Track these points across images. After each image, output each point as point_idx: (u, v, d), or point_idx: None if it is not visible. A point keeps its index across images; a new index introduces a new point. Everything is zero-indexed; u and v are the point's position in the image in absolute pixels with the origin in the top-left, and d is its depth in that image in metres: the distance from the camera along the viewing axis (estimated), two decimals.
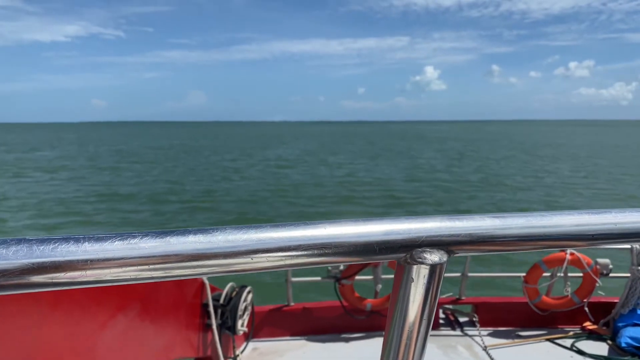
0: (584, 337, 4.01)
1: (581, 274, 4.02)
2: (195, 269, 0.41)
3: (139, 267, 0.39)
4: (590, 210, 0.52)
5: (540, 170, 26.79)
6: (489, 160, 34.14)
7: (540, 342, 3.98)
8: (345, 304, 3.98)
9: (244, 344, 3.82)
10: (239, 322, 3.36)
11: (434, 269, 0.47)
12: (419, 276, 0.47)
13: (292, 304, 4.08)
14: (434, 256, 0.47)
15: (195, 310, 3.15)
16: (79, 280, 0.38)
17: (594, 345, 3.89)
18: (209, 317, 3.20)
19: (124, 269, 0.39)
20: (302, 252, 0.44)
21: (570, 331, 4.13)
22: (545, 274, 4.08)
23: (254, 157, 37.06)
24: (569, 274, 4.05)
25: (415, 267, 0.47)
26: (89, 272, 0.38)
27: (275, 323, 4.03)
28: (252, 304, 3.63)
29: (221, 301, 3.31)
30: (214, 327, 3.18)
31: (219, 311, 3.29)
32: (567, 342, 3.92)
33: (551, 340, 3.98)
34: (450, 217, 0.49)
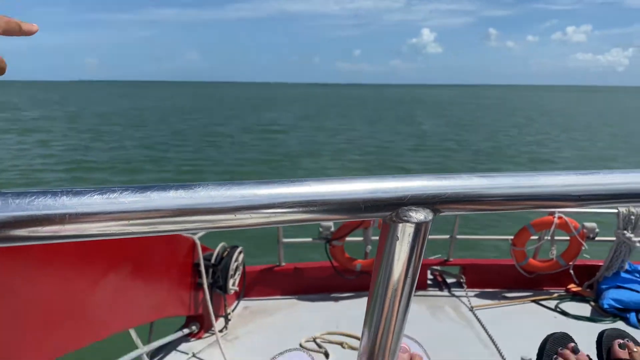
0: (568, 299, 4.11)
1: (568, 238, 4.09)
2: (177, 225, 0.40)
3: (119, 222, 0.38)
4: (579, 171, 0.52)
5: (554, 139, 24.82)
6: (497, 127, 31.95)
7: (526, 303, 4.08)
8: (335, 264, 4.03)
9: (235, 302, 3.88)
10: (230, 282, 3.41)
11: (419, 227, 0.47)
12: (404, 234, 0.47)
13: (283, 264, 4.13)
14: (419, 214, 0.46)
15: (186, 270, 3.19)
16: (58, 234, 0.37)
17: (577, 307, 4.00)
18: (200, 276, 3.24)
19: (103, 223, 0.38)
20: (287, 210, 0.43)
21: (555, 293, 4.23)
22: (532, 237, 4.15)
23: (246, 121, 34.75)
24: (556, 237, 4.11)
25: (400, 225, 0.46)
26: (67, 227, 0.37)
27: (266, 282, 4.09)
28: (244, 264, 3.67)
29: (212, 261, 3.34)
30: (205, 286, 3.22)
31: (210, 271, 3.33)
32: (552, 304, 4.02)
33: (536, 302, 4.08)
34: (437, 176, 0.48)
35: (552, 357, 0.99)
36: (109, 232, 0.38)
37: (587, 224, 4.07)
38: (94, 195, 0.38)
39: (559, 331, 1.07)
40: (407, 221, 0.46)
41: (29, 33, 0.63)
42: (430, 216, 0.47)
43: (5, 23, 0.59)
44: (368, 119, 39.07)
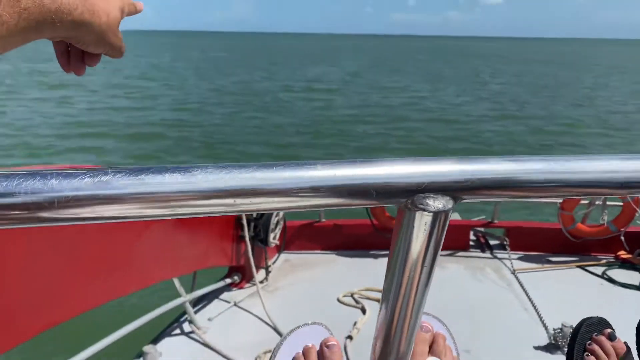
0: (617, 266, 3.97)
1: (621, 203, 3.92)
2: (170, 210, 0.39)
3: (112, 207, 0.37)
4: (622, 154, 0.47)
5: None
6: (580, 87, 26.57)
7: (571, 268, 3.98)
8: (375, 222, 4.05)
9: (276, 255, 3.99)
10: (271, 235, 3.49)
11: (437, 216, 0.43)
12: (421, 223, 0.44)
13: (324, 220, 4.18)
14: (437, 202, 0.43)
15: (228, 223, 3.29)
16: (48, 217, 0.36)
17: (626, 274, 3.86)
18: (242, 229, 3.33)
19: (95, 208, 0.37)
20: (291, 197, 0.40)
21: (603, 259, 4.09)
22: (583, 202, 4.00)
23: (290, 77, 30.85)
24: (608, 203, 3.94)
25: (417, 213, 0.43)
26: (58, 211, 0.36)
27: (306, 237, 4.17)
28: (284, 218, 3.75)
29: (254, 215, 3.42)
30: (247, 238, 3.32)
31: (252, 224, 3.41)
32: (599, 270, 3.90)
33: (582, 267, 3.97)
34: (459, 159, 0.44)
35: (585, 343, 0.93)
36: (102, 216, 0.38)
37: None
38: (84, 179, 0.37)
39: (595, 316, 0.99)
40: (424, 209, 0.43)
41: (140, 11, 0.71)
42: (450, 204, 0.43)
43: (129, 6, 0.67)
44: (426, 74, 34.85)
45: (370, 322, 3.14)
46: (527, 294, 3.50)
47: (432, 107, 18.90)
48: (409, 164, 0.43)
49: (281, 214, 3.63)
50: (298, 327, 0.94)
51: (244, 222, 3.30)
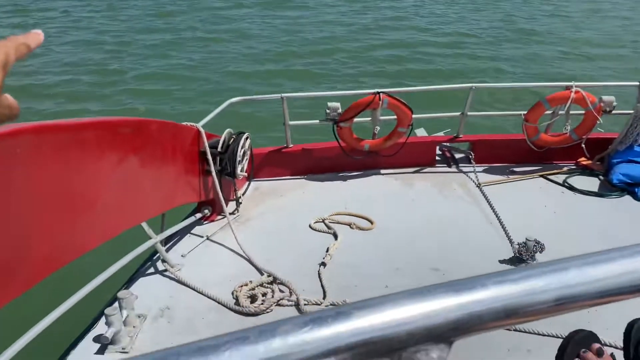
0: (577, 173, 4.11)
1: (583, 112, 3.97)
2: None
3: None
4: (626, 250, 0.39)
5: None
6: None
7: (534, 178, 4.09)
8: (343, 144, 4.02)
9: (246, 184, 3.96)
10: (239, 168, 3.43)
11: None
12: None
13: (291, 145, 4.12)
14: (431, 355, 0.35)
15: (193, 158, 3.20)
16: None
17: (586, 181, 4.01)
18: (208, 163, 3.26)
19: None
20: None
21: (564, 167, 4.22)
22: (547, 112, 4.03)
23: None
24: (571, 112, 3.99)
25: None
26: None
27: (275, 163, 4.13)
28: (251, 148, 3.67)
29: (219, 148, 3.33)
30: (214, 172, 3.25)
31: (218, 158, 3.33)
32: (560, 179, 4.03)
33: (545, 177, 4.09)
34: (454, 287, 0.36)
35: None
36: None
37: (605, 98, 3.91)
38: None
39: (583, 329, 0.94)
40: None
41: (38, 44, 0.57)
42: (445, 353, 0.36)
43: (13, 50, 0.52)
44: None
45: (342, 247, 3.21)
46: (492, 208, 3.61)
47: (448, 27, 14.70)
48: (390, 309, 0.35)
49: (247, 144, 3.55)
50: None
51: (209, 156, 3.22)
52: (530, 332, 2.39)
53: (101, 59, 11.53)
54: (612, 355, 0.90)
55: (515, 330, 2.40)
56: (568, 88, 3.83)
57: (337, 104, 3.89)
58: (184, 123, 3.11)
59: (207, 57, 11.66)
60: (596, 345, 0.91)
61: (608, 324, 2.21)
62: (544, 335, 2.37)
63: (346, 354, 0.33)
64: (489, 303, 0.36)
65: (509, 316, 0.36)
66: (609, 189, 3.86)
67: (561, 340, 2.30)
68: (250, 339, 0.33)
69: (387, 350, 0.34)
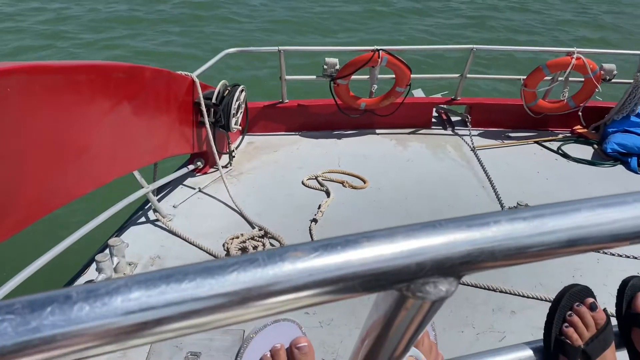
0: (572, 141, 4.11)
1: (582, 79, 3.93)
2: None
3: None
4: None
5: None
6: None
7: (529, 144, 4.09)
8: (339, 102, 3.97)
9: (239, 138, 3.92)
10: (233, 120, 3.39)
11: (437, 304, 0.37)
12: (418, 311, 0.37)
13: (287, 101, 4.07)
14: (440, 287, 0.35)
15: (187, 108, 3.15)
16: None
17: (580, 149, 4.01)
18: (201, 115, 3.21)
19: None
20: (249, 305, 0.32)
21: (560, 134, 4.21)
22: (546, 78, 3.99)
23: None
24: (570, 79, 3.95)
25: (414, 301, 0.36)
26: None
27: (269, 118, 4.09)
28: (245, 101, 3.62)
29: (214, 100, 3.28)
30: (207, 124, 3.21)
31: (212, 110, 3.29)
32: (555, 146, 4.03)
33: (539, 143, 4.09)
34: (467, 223, 0.36)
35: (565, 314, 0.92)
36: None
37: (606, 65, 3.87)
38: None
39: (578, 284, 0.98)
40: (424, 298, 0.35)
41: None
42: (453, 287, 0.36)
43: None
44: None
45: (333, 204, 3.22)
46: (485, 171, 3.61)
47: None
48: (402, 240, 0.35)
49: (242, 97, 3.50)
50: (266, 324, 0.89)
51: (203, 107, 3.17)
52: (515, 294, 2.44)
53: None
54: (605, 310, 0.92)
55: (501, 291, 2.45)
56: (569, 54, 3.78)
57: (335, 60, 3.82)
58: (179, 72, 3.05)
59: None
60: (590, 300, 0.93)
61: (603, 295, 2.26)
62: (529, 297, 2.42)
63: (355, 282, 0.33)
64: (500, 239, 0.36)
65: (519, 253, 0.36)
66: (602, 158, 3.87)
67: (546, 302, 2.37)
68: (259, 262, 0.32)
69: (396, 280, 0.34)
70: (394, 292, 0.37)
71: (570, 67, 3.76)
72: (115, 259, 2.41)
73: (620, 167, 3.76)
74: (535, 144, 4.08)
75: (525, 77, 3.99)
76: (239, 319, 0.32)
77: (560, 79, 3.99)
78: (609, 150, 3.81)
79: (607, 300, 2.21)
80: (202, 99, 3.16)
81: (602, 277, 2.54)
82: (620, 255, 2.67)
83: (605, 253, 2.67)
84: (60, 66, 1.91)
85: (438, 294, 0.35)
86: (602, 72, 3.84)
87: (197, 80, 3.13)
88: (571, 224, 0.37)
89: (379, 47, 3.70)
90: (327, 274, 0.33)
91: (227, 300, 0.31)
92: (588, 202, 0.38)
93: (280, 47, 3.75)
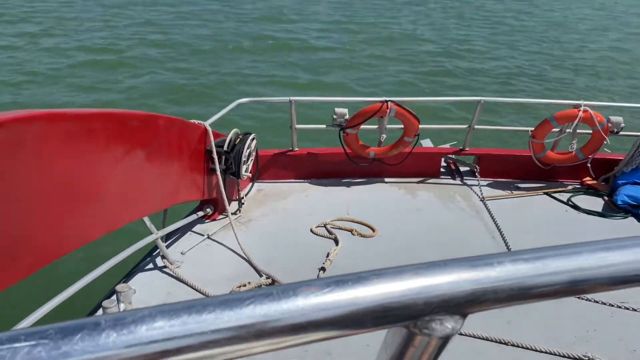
0: (582, 193, 4.09)
1: (590, 131, 3.96)
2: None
3: None
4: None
5: None
6: None
7: (538, 195, 4.08)
8: (348, 151, 4.02)
9: (249, 185, 3.95)
10: (243, 168, 3.43)
11: (444, 340, 0.38)
12: (425, 349, 0.38)
13: (297, 149, 4.12)
14: (446, 325, 0.36)
15: (199, 156, 3.20)
16: None
17: (590, 201, 3.99)
18: (213, 162, 3.26)
19: None
20: (269, 340, 0.34)
21: (569, 186, 4.20)
22: (554, 130, 4.02)
23: None
24: (579, 131, 3.98)
25: (422, 338, 0.37)
26: None
27: (279, 166, 4.13)
28: (256, 149, 3.67)
29: (225, 147, 3.33)
30: (218, 171, 3.26)
31: (223, 158, 3.34)
32: (564, 197, 4.01)
33: (549, 194, 4.08)
34: (472, 263, 0.37)
35: None
36: None
37: (613, 118, 3.91)
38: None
39: None
40: (430, 335, 0.36)
41: None
42: (459, 325, 0.37)
43: None
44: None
45: (342, 253, 3.20)
46: (495, 222, 3.59)
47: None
48: (409, 280, 0.36)
49: (253, 145, 3.55)
50: None
51: (214, 154, 3.22)
52: (527, 348, 2.37)
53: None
54: None
55: (513, 345, 2.38)
56: (576, 107, 3.83)
57: (345, 110, 3.89)
58: (192, 120, 3.12)
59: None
60: None
61: (604, 344, 2.20)
62: (542, 352, 2.35)
63: (365, 317, 0.35)
64: (504, 279, 0.37)
65: (523, 293, 0.37)
66: (613, 209, 3.84)
67: (559, 357, 2.30)
68: (274, 296, 0.34)
69: (404, 316, 0.36)
70: (402, 330, 0.37)
71: (577, 120, 3.80)
72: (122, 305, 2.40)
73: (631, 219, 3.73)
74: (545, 195, 4.07)
75: (533, 128, 4.03)
76: (253, 350, 0.34)
77: (568, 130, 4.02)
78: (619, 202, 3.79)
79: (624, 357, 2.15)
80: (213, 146, 3.22)
81: (618, 331, 2.47)
82: (635, 310, 2.60)
83: (620, 307, 2.61)
84: (77, 114, 1.97)
85: (444, 331, 0.36)
86: (609, 124, 3.88)
87: (209, 129, 3.20)
88: (572, 266, 0.38)
89: (387, 99, 3.78)
90: (338, 309, 0.34)
91: (244, 332, 0.33)
92: (588, 245, 0.39)
93: (291, 98, 3.83)
